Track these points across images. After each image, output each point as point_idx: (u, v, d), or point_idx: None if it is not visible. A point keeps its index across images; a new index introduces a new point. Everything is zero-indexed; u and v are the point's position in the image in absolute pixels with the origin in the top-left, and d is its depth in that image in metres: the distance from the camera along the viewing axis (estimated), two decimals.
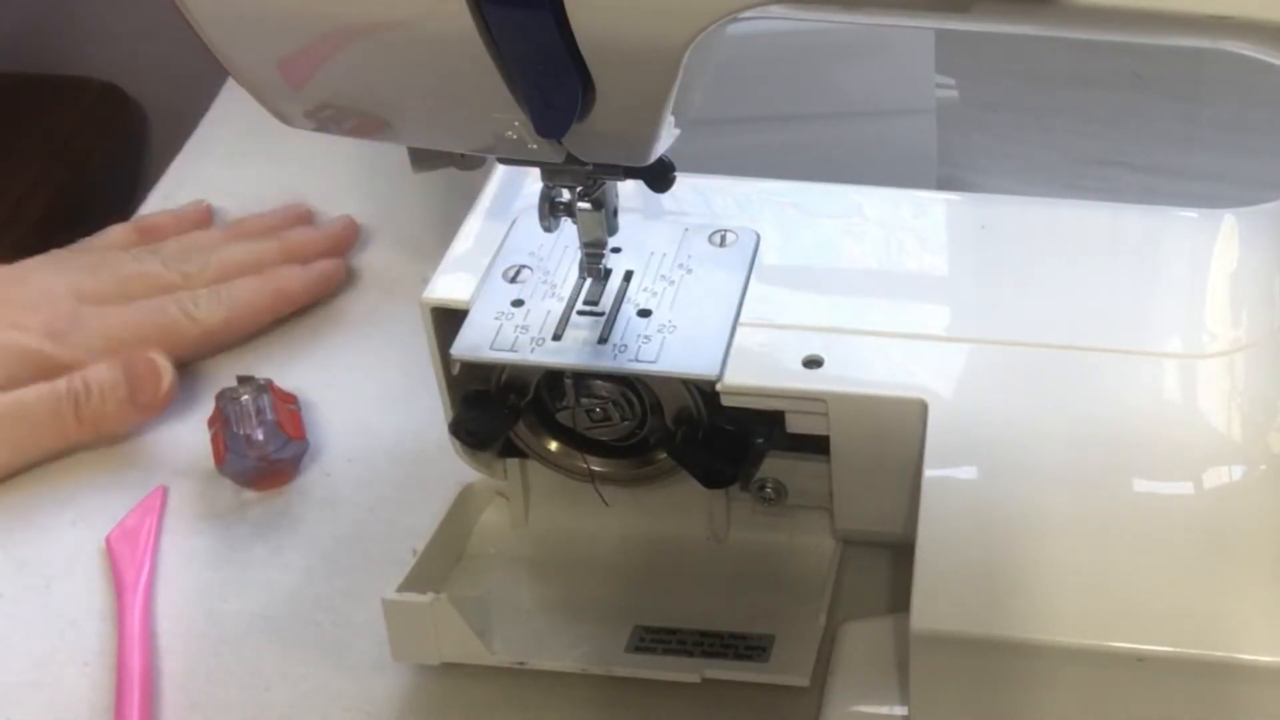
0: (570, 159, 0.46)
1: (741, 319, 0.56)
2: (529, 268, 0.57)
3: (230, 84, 0.89)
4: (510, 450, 0.59)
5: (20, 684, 0.59)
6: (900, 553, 0.56)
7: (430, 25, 0.39)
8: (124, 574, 0.62)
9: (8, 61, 1.22)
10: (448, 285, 0.57)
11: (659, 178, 0.49)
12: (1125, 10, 0.39)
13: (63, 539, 0.65)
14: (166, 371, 0.67)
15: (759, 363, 0.55)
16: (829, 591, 0.57)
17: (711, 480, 0.56)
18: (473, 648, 0.55)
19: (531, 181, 0.56)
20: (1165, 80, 0.87)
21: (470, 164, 0.48)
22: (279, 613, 0.61)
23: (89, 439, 0.67)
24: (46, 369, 0.66)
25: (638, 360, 0.54)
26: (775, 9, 0.40)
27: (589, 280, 0.56)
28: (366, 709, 0.57)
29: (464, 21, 0.38)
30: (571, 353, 0.54)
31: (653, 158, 0.46)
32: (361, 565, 0.62)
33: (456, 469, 0.60)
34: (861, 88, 0.74)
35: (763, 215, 0.61)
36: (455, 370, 0.56)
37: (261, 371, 0.69)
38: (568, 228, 0.54)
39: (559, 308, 0.56)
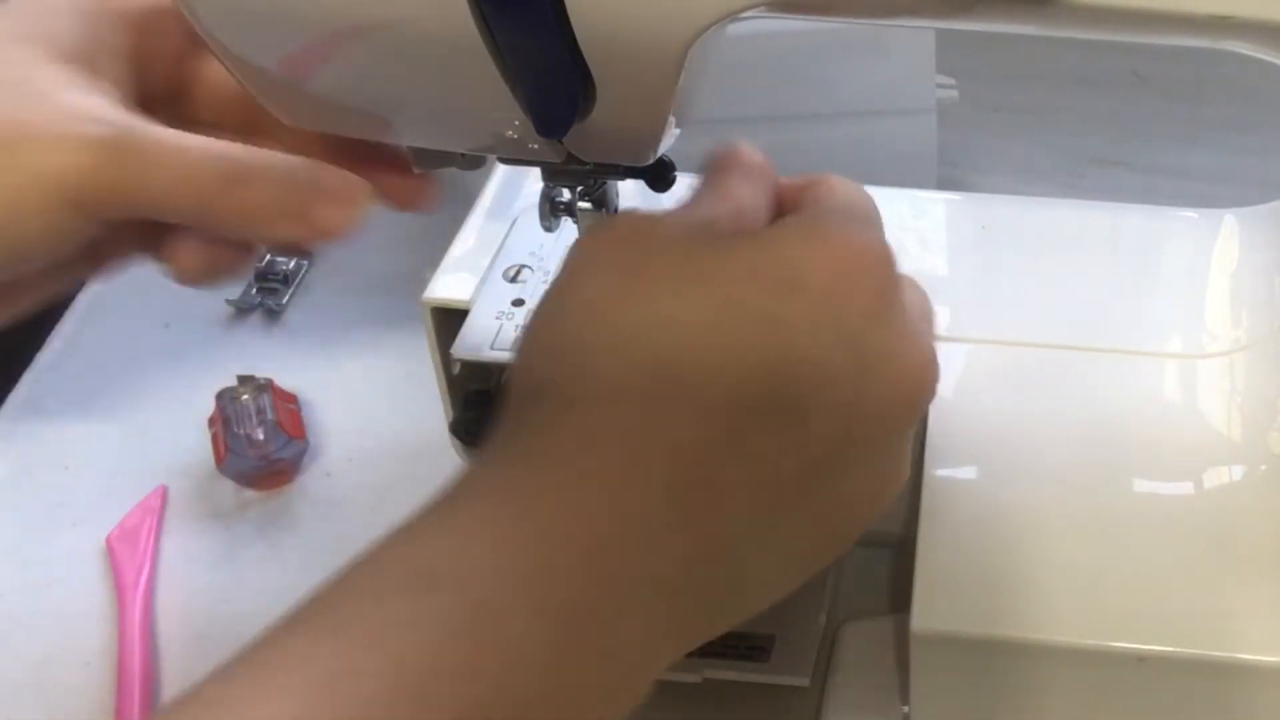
0: (571, 159, 0.46)
1: None
2: (529, 267, 0.57)
3: None
4: None
5: (20, 684, 0.59)
6: (900, 553, 0.56)
7: (430, 25, 0.39)
8: (124, 574, 0.62)
9: None
10: (448, 285, 0.57)
11: (659, 178, 0.49)
12: (1125, 10, 0.39)
13: (63, 539, 0.65)
14: (360, 196, 0.46)
15: None
16: (829, 591, 0.57)
17: None
18: None
19: (532, 181, 0.56)
20: (1165, 80, 0.87)
21: (470, 164, 0.48)
22: (279, 613, 0.61)
23: (231, 224, 0.45)
24: None
25: None
26: (776, 9, 0.40)
27: None
28: None
29: (464, 21, 0.38)
30: None
31: (654, 157, 0.46)
32: None
33: (457, 469, 0.60)
34: (861, 88, 0.74)
35: None
36: (456, 370, 0.56)
37: (261, 371, 0.69)
38: (568, 227, 0.54)
39: None
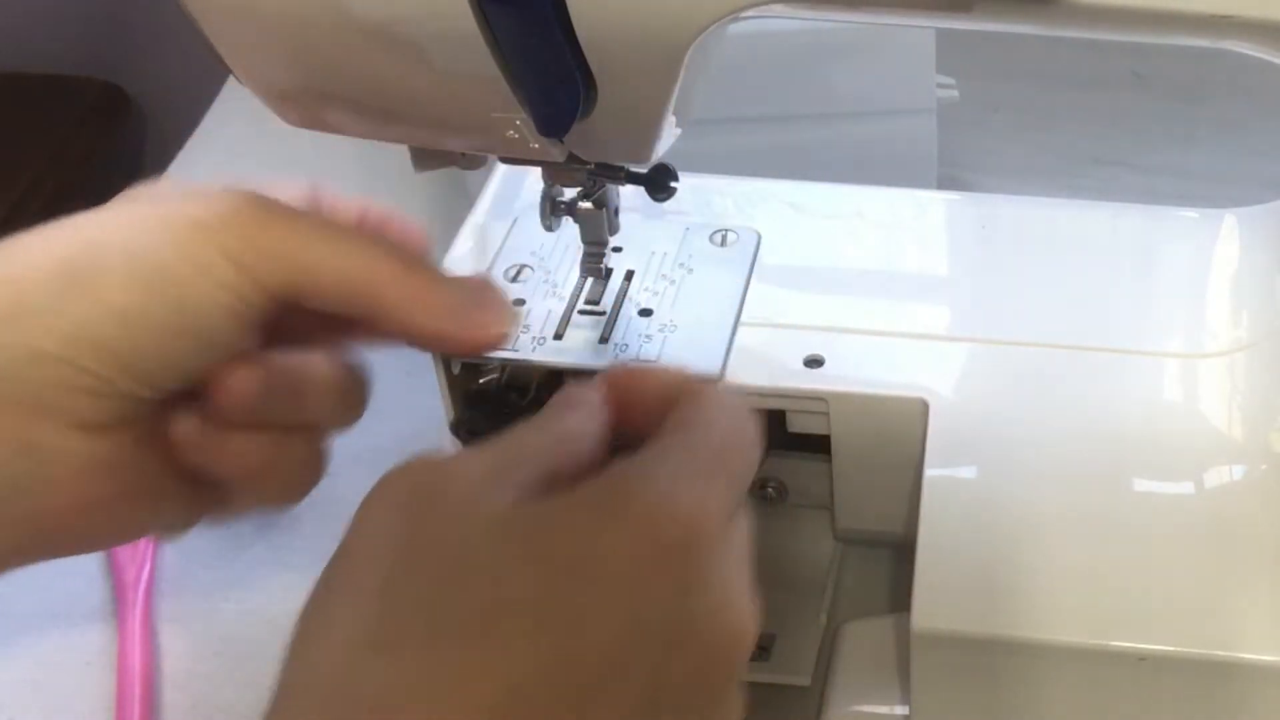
0: (572, 158, 0.46)
1: (742, 318, 0.56)
2: (530, 267, 0.57)
3: (230, 84, 0.89)
4: None
5: (20, 684, 0.59)
6: (900, 553, 0.56)
7: (432, 25, 0.39)
8: (124, 574, 0.62)
9: (8, 61, 1.21)
10: None
11: (659, 186, 0.49)
12: (1125, 10, 0.39)
13: None
14: (511, 313, 0.46)
15: (760, 362, 0.55)
16: (829, 591, 0.57)
17: None
18: None
19: (532, 181, 0.56)
20: (1165, 80, 0.87)
21: (471, 164, 0.48)
22: (279, 612, 0.61)
23: (398, 314, 0.44)
24: None
25: (639, 359, 0.54)
26: (775, 9, 0.40)
27: (590, 280, 0.56)
28: None
29: (466, 21, 0.38)
30: (573, 352, 0.54)
31: (654, 157, 0.46)
32: None
33: None
34: (861, 88, 0.74)
35: (763, 215, 0.61)
36: (456, 370, 0.56)
37: None
38: (569, 227, 0.54)
39: (560, 307, 0.56)
